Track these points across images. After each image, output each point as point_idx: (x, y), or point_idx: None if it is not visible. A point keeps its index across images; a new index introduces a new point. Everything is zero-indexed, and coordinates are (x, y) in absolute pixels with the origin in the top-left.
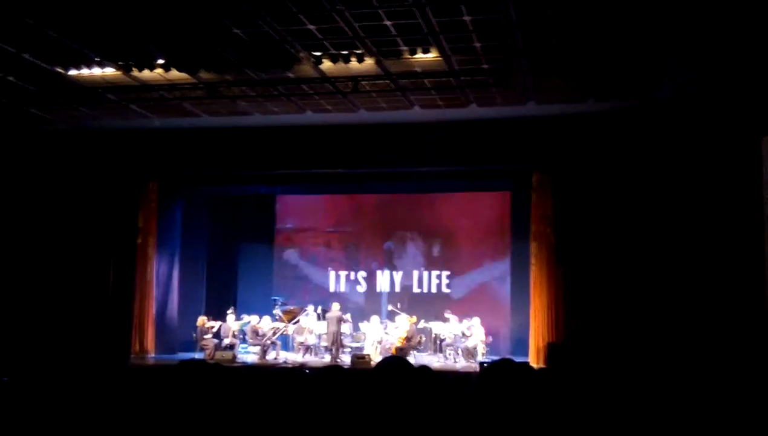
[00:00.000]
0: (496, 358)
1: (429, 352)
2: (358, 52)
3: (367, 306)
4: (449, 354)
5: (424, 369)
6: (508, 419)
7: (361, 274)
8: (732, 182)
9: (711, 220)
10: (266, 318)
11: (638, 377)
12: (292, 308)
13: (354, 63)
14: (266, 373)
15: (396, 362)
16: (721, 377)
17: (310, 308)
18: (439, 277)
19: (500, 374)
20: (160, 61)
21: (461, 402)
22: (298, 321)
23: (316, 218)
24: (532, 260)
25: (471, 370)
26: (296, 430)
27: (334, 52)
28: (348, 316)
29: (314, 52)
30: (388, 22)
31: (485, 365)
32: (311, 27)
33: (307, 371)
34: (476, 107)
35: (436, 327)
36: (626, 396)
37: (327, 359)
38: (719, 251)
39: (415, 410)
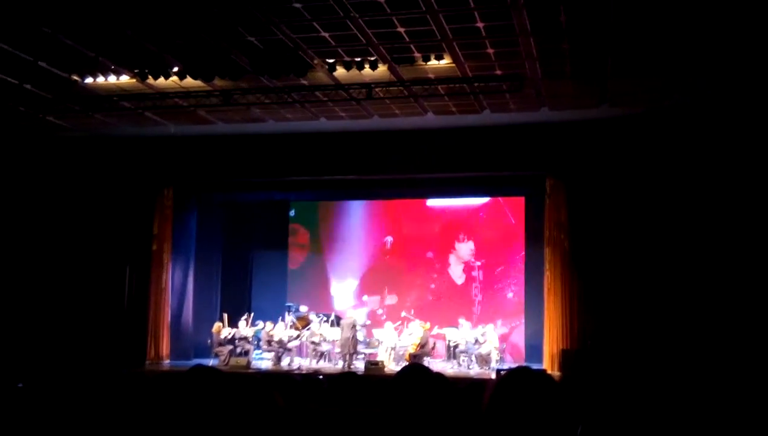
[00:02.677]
0: (512, 364)
1: (443, 358)
2: (371, 59)
3: (381, 313)
4: (463, 361)
5: (440, 377)
6: (526, 428)
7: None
8: (746, 187)
9: (725, 225)
10: (280, 325)
11: (655, 383)
12: (305, 314)
13: (367, 70)
14: (281, 379)
15: (417, 370)
16: (738, 382)
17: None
18: (452, 282)
19: (518, 382)
20: (175, 69)
21: (478, 410)
22: (311, 328)
23: (331, 224)
24: (546, 266)
25: (485, 377)
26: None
27: (347, 59)
28: (361, 323)
29: (328, 59)
30: (401, 29)
31: (502, 372)
32: (325, 34)
33: (321, 377)
34: (490, 113)
35: (450, 333)
36: (643, 402)
37: (341, 365)
38: (734, 256)
39: (434, 418)
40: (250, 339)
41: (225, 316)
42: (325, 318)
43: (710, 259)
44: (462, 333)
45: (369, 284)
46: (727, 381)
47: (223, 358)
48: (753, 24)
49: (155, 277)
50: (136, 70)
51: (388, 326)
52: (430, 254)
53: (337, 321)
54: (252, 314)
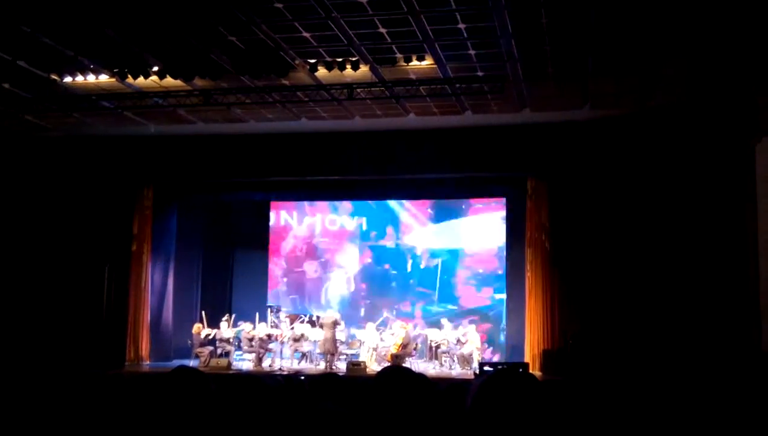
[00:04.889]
0: (495, 360)
1: (424, 359)
2: (353, 59)
3: (361, 312)
4: (444, 361)
5: (421, 377)
6: (509, 428)
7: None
8: (726, 188)
9: (705, 225)
10: (261, 325)
11: (635, 382)
12: (288, 314)
13: (349, 70)
14: (262, 380)
15: (398, 372)
16: (716, 380)
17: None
18: (433, 282)
19: (502, 383)
20: (155, 69)
21: (460, 411)
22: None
23: (311, 224)
24: (528, 267)
25: (467, 377)
26: None
27: (329, 59)
28: (342, 322)
29: (309, 59)
30: (383, 30)
31: (485, 366)
32: (306, 34)
33: (302, 378)
34: (471, 114)
35: (432, 334)
36: (624, 401)
37: (322, 365)
38: (714, 257)
39: (415, 419)
40: (231, 340)
41: (203, 314)
42: (305, 318)
43: (692, 259)
44: (444, 334)
45: None
46: (709, 379)
47: (203, 359)
48: (734, 24)
49: (135, 277)
50: (115, 70)
51: (370, 326)
52: None
53: (318, 321)
54: (233, 315)
